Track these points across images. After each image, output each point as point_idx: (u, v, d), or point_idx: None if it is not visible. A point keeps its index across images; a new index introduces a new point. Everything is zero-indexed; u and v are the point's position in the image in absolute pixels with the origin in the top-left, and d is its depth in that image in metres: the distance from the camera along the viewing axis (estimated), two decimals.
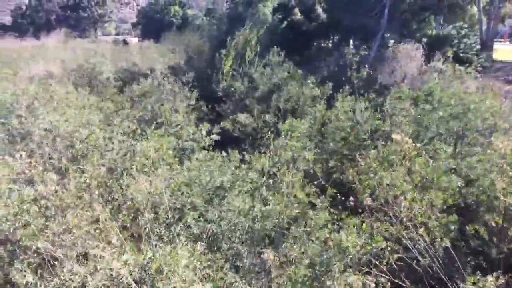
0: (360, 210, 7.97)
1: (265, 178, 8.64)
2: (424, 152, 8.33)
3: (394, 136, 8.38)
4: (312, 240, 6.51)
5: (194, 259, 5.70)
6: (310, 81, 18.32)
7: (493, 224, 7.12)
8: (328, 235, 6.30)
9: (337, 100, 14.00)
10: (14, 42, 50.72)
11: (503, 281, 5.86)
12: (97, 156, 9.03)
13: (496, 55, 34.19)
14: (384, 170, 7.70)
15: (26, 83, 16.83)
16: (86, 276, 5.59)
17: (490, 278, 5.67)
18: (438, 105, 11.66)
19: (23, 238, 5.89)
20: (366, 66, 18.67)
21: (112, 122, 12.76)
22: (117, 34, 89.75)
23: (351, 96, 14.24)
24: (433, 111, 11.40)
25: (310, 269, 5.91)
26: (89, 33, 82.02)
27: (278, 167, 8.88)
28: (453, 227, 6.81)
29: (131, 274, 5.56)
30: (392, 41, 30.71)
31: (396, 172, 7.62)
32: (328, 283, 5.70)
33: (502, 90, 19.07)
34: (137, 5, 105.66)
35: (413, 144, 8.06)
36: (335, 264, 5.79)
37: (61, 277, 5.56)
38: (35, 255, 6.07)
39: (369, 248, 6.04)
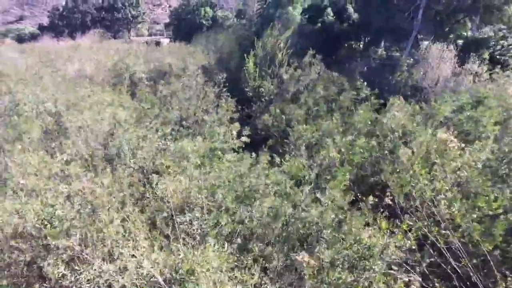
0: (393, 210, 7.84)
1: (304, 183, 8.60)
2: (468, 153, 8.09)
3: (439, 134, 8.20)
4: (350, 244, 6.43)
5: (224, 261, 5.71)
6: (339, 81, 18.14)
7: None
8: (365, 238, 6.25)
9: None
10: (51, 42, 52.29)
11: None
12: (130, 155, 9.21)
13: None
14: (423, 169, 7.51)
15: (63, 82, 17.34)
16: (114, 275, 5.66)
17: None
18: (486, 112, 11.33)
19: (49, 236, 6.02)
20: (406, 67, 18.22)
21: (145, 121, 12.99)
22: (150, 35, 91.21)
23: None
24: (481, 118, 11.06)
25: (347, 272, 5.86)
26: (123, 33, 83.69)
27: (318, 173, 8.84)
28: (494, 234, 6.53)
29: (161, 274, 5.62)
30: (425, 43, 30.05)
31: (437, 171, 7.43)
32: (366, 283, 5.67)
33: None
34: (169, 6, 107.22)
35: (459, 144, 7.87)
36: (369, 265, 5.73)
37: (90, 272, 5.65)
38: (67, 251, 6.21)
39: (394, 249, 5.93)
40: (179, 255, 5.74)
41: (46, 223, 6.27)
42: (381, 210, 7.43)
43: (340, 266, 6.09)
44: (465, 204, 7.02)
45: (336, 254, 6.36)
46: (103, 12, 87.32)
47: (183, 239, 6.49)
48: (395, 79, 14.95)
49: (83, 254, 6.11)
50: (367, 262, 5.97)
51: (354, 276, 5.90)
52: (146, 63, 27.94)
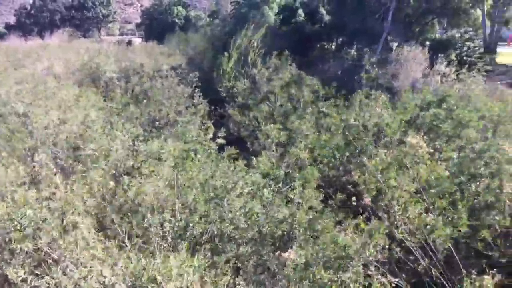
0: (361, 211, 7.98)
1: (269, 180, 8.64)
2: (437, 158, 8.32)
3: (409, 139, 8.38)
4: (324, 242, 6.49)
5: (189, 266, 5.65)
6: (311, 82, 18.35)
7: (498, 227, 7.07)
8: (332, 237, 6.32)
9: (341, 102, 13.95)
10: (18, 42, 50.89)
11: (504, 282, 5.86)
12: (101, 157, 9.04)
13: (500, 59, 34.15)
14: (392, 172, 7.67)
15: (30, 82, 16.89)
16: (79, 280, 5.55)
17: (486, 277, 5.68)
18: (452, 112, 11.61)
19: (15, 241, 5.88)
20: (374, 67, 18.58)
21: (116, 122, 12.78)
22: (121, 34, 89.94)
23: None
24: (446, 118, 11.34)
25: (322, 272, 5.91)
26: (93, 33, 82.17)
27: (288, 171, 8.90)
28: (456, 229, 6.74)
29: (124, 282, 5.53)
30: (395, 44, 30.71)
31: (405, 175, 7.61)
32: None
33: (506, 93, 19.01)
34: (141, 6, 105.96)
35: (427, 150, 8.07)
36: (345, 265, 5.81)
37: (54, 276, 5.54)
38: (33, 255, 6.07)
39: (370, 250, 6.03)
40: (141, 261, 5.65)
41: (13, 226, 6.11)
42: (352, 209, 7.57)
43: (317, 265, 6.12)
44: (424, 203, 7.23)
45: (309, 253, 6.41)
46: (73, 11, 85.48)
47: (157, 242, 6.43)
48: (363, 79, 15.21)
49: (50, 258, 5.98)
50: (343, 262, 6.02)
51: (333, 275, 5.94)
52: (117, 62, 27.50)
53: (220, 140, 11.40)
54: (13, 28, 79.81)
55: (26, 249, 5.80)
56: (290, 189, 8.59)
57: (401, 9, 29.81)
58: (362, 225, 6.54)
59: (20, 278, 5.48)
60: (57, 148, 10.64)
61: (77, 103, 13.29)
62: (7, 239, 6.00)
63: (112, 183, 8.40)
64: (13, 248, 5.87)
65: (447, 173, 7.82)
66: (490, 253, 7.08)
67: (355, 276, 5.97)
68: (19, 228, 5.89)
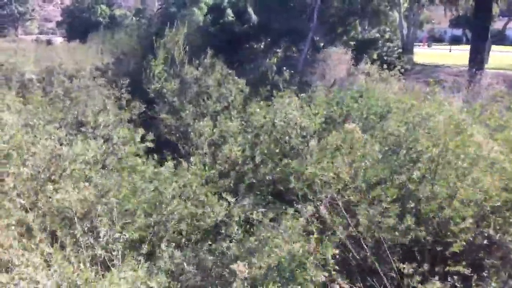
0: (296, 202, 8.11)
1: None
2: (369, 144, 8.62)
3: (346, 125, 8.62)
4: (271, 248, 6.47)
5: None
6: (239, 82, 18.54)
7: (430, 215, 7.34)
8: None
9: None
10: None
11: (430, 270, 6.21)
12: (19, 162, 8.44)
13: (416, 58, 36.59)
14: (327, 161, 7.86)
15: None
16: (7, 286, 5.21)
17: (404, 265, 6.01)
18: (365, 106, 12.15)
19: None
20: (285, 69, 18.92)
21: (35, 125, 12.02)
22: (40, 33, 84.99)
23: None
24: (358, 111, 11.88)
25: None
26: (9, 31, 76.86)
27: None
28: (387, 218, 6.97)
29: None
30: (322, 44, 31.77)
31: (338, 161, 7.81)
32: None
33: (423, 91, 20.31)
34: (61, 3, 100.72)
35: (363, 135, 8.35)
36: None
37: None
38: None
39: (319, 257, 6.11)
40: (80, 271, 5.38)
41: None
42: (284, 204, 7.70)
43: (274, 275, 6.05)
44: (362, 195, 7.48)
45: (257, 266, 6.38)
46: None
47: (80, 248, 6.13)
48: (283, 78, 15.63)
49: None
50: (302, 271, 6.01)
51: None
52: (36, 63, 25.94)
53: (148, 143, 11.09)
54: None
55: None
56: (223, 189, 8.59)
57: (325, 10, 30.90)
58: (315, 236, 6.58)
59: None
60: None
61: None
62: None
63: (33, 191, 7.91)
64: None
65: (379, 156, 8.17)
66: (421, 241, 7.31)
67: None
68: None
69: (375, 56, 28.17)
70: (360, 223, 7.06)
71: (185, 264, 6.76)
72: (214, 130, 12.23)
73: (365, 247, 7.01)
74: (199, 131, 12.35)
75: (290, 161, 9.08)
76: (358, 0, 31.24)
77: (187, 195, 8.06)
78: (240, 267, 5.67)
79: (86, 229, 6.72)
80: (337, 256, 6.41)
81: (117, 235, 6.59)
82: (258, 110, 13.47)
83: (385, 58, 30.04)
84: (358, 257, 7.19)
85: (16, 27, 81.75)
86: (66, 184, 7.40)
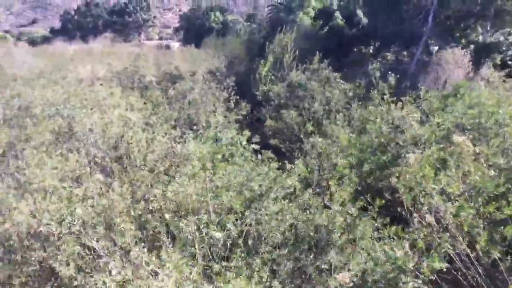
0: (398, 216, 7.81)
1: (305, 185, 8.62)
2: (482, 160, 8.00)
3: (455, 137, 8.12)
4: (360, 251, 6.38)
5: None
6: (346, 86, 18.30)
7: None
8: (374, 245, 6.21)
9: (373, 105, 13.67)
10: (63, 46, 52.90)
11: None
12: (139, 158, 9.27)
13: None
14: (435, 175, 7.42)
15: (75, 85, 17.53)
16: (126, 280, 5.65)
17: None
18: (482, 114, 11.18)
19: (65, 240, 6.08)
20: (391, 73, 18.02)
21: (152, 123, 13.08)
22: (160, 38, 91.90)
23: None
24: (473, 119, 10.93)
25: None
26: (133, 37, 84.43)
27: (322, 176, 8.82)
28: (504, 239, 6.42)
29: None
30: (436, 48, 29.92)
31: (448, 176, 7.34)
32: None
33: None
34: (179, 11, 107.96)
35: (474, 149, 7.79)
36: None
37: (102, 275, 5.66)
38: (79, 249, 6.26)
39: (426, 271, 5.87)
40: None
41: (59, 223, 6.34)
42: (389, 215, 7.41)
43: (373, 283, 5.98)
44: (473, 210, 6.94)
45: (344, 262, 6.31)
46: (115, 16, 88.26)
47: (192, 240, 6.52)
48: (390, 82, 14.84)
49: (93, 254, 6.17)
50: (401, 278, 5.86)
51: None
52: (156, 66, 28.16)
53: (255, 146, 11.45)
54: (58, 32, 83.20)
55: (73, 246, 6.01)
56: (326, 194, 8.53)
57: (441, 12, 29.04)
58: (420, 244, 6.35)
59: (69, 275, 5.66)
60: (98, 149, 11.00)
61: (118, 106, 13.68)
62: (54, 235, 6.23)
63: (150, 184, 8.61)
64: (59, 244, 6.10)
65: (492, 172, 7.51)
66: None
67: None
68: (68, 224, 6.11)
69: (498, 61, 25.79)
70: (477, 241, 6.55)
71: (283, 265, 6.85)
72: (322, 141, 12.19)
73: (476, 265, 6.52)
74: (304, 135, 12.43)
75: (400, 169, 8.70)
76: (478, 1, 28.85)
77: (290, 198, 8.15)
78: (344, 278, 5.63)
79: (195, 222, 7.12)
80: (444, 270, 6.06)
81: (217, 234, 6.87)
82: (364, 114, 13.19)
83: (510, 63, 27.37)
84: (467, 273, 6.70)
85: (139, 33, 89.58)
86: (180, 179, 7.93)
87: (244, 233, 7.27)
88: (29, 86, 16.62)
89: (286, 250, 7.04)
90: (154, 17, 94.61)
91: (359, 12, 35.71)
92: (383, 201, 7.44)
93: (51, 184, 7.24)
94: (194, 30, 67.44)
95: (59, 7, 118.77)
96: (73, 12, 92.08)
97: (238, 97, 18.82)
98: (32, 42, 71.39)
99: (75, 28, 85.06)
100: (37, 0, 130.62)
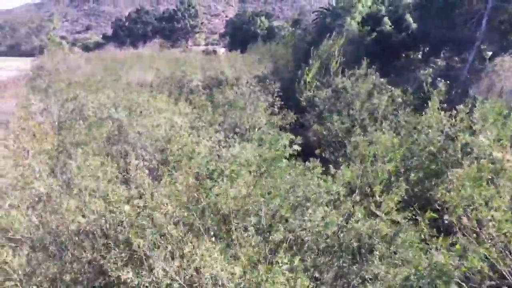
0: (448, 229, 7.54)
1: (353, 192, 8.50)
2: None
3: (495, 153, 7.82)
4: (402, 260, 6.23)
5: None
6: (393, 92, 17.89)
7: None
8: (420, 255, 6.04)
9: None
10: (114, 51, 54.98)
11: None
12: (186, 160, 9.45)
13: None
14: (478, 188, 7.16)
15: (125, 90, 18.18)
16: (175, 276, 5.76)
17: None
18: None
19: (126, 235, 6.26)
20: (440, 79, 17.37)
21: (199, 127, 13.34)
22: (206, 44, 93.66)
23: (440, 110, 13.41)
24: None
25: None
26: (181, 43, 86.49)
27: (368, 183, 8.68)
28: None
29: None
30: (490, 53, 28.70)
31: (493, 190, 7.07)
32: None
33: None
34: (226, 17, 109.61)
35: None
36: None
37: (155, 274, 5.79)
38: (127, 249, 6.45)
39: (464, 269, 5.67)
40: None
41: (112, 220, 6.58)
42: (435, 226, 7.18)
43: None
44: None
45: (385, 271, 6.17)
46: (164, 23, 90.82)
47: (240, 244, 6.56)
48: (440, 89, 14.25)
49: (139, 253, 6.32)
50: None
51: None
52: (202, 71, 28.69)
53: (296, 147, 11.39)
54: (110, 38, 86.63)
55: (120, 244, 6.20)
56: (371, 201, 8.38)
57: (495, 16, 27.84)
58: (457, 246, 6.14)
59: (117, 274, 5.81)
60: (146, 151, 11.34)
61: (166, 110, 14.05)
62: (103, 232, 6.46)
63: (195, 186, 8.75)
64: (107, 243, 6.31)
65: None
66: None
67: None
68: (119, 222, 6.31)
69: None
70: None
71: (326, 273, 6.79)
72: (368, 147, 12.00)
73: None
74: (355, 144, 12.26)
75: (447, 184, 8.42)
76: None
77: (334, 204, 8.06)
78: None
79: (238, 226, 7.18)
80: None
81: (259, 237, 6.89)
82: (412, 121, 12.85)
83: None
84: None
85: (187, 39, 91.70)
86: (224, 182, 8.01)
87: (288, 239, 7.26)
88: (82, 90, 17.38)
89: (329, 258, 6.96)
90: (202, 23, 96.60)
91: (408, 17, 34.86)
92: (431, 213, 7.22)
93: (100, 185, 7.51)
94: (239, 36, 68.18)
95: (111, 14, 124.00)
96: (124, 19, 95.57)
97: (282, 102, 18.83)
98: (86, 48, 74.77)
99: (125, 34, 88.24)
100: (90, 8, 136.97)
